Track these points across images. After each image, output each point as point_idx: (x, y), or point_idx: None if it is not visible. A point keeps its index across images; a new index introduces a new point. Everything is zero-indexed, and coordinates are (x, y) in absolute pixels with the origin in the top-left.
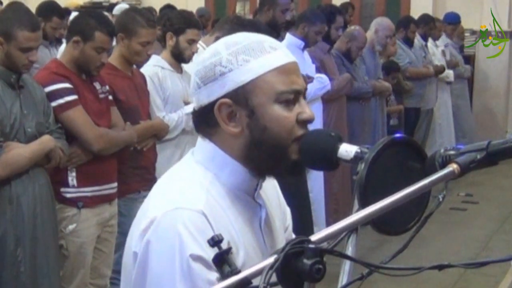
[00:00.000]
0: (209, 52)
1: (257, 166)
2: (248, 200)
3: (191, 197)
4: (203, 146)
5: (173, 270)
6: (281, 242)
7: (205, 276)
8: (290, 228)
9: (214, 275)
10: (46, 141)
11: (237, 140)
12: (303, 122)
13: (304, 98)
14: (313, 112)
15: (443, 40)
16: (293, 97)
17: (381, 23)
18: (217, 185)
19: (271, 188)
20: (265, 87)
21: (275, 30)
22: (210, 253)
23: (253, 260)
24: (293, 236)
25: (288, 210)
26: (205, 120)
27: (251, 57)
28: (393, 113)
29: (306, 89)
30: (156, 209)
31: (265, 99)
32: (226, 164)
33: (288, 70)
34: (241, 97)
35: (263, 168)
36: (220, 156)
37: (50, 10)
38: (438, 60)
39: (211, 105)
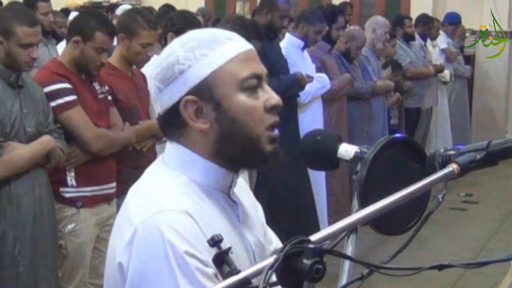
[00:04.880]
0: (165, 53)
1: (230, 160)
2: (224, 199)
3: (172, 198)
4: (172, 150)
5: (172, 270)
6: (262, 237)
7: (203, 270)
8: (265, 224)
9: (210, 270)
10: (47, 141)
11: (207, 137)
12: (272, 109)
13: (268, 84)
14: (280, 98)
15: (444, 40)
16: (256, 83)
17: (376, 22)
18: (193, 187)
19: (242, 184)
20: (227, 77)
21: (272, 33)
22: (201, 250)
23: (240, 257)
24: (269, 231)
25: (259, 206)
26: (171, 123)
27: (208, 50)
28: (392, 105)
29: (267, 74)
30: (139, 216)
31: (228, 89)
32: (197, 164)
33: (246, 57)
34: (205, 91)
35: (237, 161)
36: (190, 157)
37: None
38: (436, 59)
39: (175, 106)
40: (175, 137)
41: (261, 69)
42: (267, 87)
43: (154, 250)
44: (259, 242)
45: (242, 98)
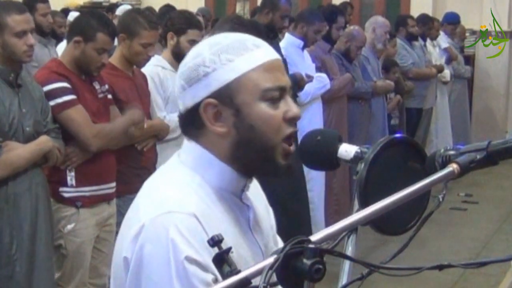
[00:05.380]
0: (192, 54)
1: (244, 166)
2: (235, 202)
3: (182, 199)
4: (189, 148)
5: (169, 274)
6: (271, 241)
7: (201, 276)
8: (275, 228)
9: (209, 276)
10: (44, 142)
11: (224, 140)
12: (290, 120)
13: (291, 95)
14: (299, 110)
15: (445, 39)
16: (278, 95)
17: (376, 22)
18: (205, 187)
19: (254, 188)
20: (250, 85)
21: (273, 32)
22: (204, 254)
23: (245, 260)
24: (277, 236)
25: (271, 209)
26: (191, 122)
27: (234, 55)
28: (393, 110)
29: (291, 86)
30: (147, 214)
31: (250, 97)
32: (213, 166)
33: (272, 67)
34: (226, 96)
35: (251, 168)
36: (207, 158)
37: (31, 0)
38: (436, 59)
39: (196, 106)
40: (193, 136)
41: (286, 80)
42: (289, 99)
43: (157, 248)
44: (268, 245)
45: (263, 107)
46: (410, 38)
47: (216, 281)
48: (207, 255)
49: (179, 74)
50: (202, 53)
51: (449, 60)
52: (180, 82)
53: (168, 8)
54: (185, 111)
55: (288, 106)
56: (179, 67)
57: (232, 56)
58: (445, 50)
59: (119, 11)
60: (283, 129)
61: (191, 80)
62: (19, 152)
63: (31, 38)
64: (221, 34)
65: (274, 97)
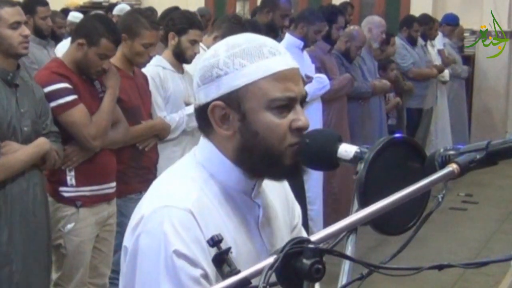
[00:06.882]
0: (211, 52)
1: (249, 169)
2: (245, 200)
3: (181, 195)
4: (203, 145)
5: (158, 266)
6: (284, 241)
7: (189, 272)
8: (299, 226)
9: (198, 271)
10: (42, 144)
11: (230, 142)
12: (297, 130)
13: (302, 104)
14: (308, 120)
15: (441, 40)
16: (286, 104)
17: (372, 21)
18: (212, 184)
19: (277, 186)
20: (258, 93)
21: (273, 32)
22: (194, 249)
23: (247, 259)
24: (302, 229)
25: (297, 207)
26: (203, 119)
27: (247, 61)
28: (391, 111)
29: (304, 96)
30: (148, 206)
31: (257, 104)
32: (222, 164)
33: (284, 77)
34: (234, 100)
35: (256, 171)
36: (217, 156)
37: (30, 3)
38: (434, 59)
39: (207, 106)
40: (206, 133)
41: (297, 91)
42: (298, 109)
43: (150, 239)
44: (277, 244)
45: (269, 115)
46: (410, 40)
47: (205, 276)
48: (198, 251)
49: (197, 70)
50: (219, 54)
51: (444, 64)
52: (196, 78)
53: (173, 9)
54: (199, 107)
55: (297, 115)
56: (199, 62)
57: (245, 62)
58: (439, 52)
59: (116, 10)
60: (288, 138)
61: (205, 80)
62: (17, 155)
63: (26, 29)
64: (243, 35)
65: (281, 106)
